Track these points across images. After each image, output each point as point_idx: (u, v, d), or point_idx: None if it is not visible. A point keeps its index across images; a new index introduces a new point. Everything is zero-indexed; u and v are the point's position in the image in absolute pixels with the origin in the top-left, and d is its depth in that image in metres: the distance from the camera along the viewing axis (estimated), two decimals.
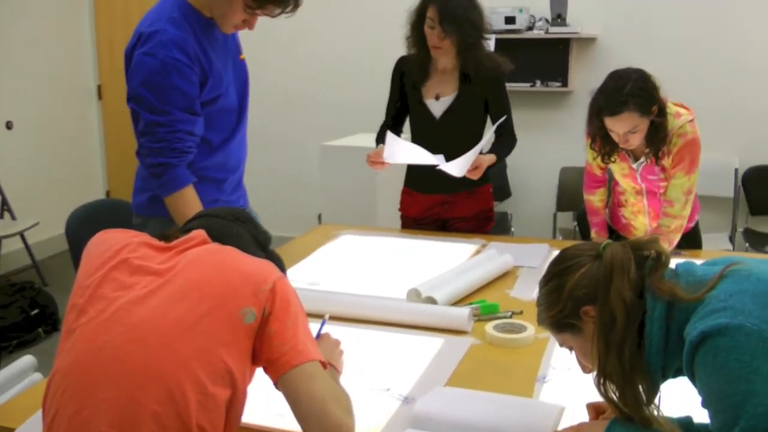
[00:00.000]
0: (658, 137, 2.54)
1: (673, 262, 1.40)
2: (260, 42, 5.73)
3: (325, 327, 1.72)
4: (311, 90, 5.68)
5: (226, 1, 2.21)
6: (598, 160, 2.75)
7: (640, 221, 2.85)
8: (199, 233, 1.48)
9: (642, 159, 2.66)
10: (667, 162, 2.62)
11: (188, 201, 2.26)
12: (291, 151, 5.79)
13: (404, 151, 2.81)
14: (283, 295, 1.39)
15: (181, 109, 2.21)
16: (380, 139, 3.00)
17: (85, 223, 2.93)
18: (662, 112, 2.51)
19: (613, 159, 2.68)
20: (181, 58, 2.18)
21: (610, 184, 2.96)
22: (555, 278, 1.42)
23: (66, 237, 2.93)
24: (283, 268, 1.56)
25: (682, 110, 2.61)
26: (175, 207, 2.27)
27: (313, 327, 1.51)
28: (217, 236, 1.49)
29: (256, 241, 1.56)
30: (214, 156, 2.39)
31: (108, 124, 6.33)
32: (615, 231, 2.97)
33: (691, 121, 2.59)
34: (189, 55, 2.20)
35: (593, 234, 2.92)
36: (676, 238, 2.70)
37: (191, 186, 2.28)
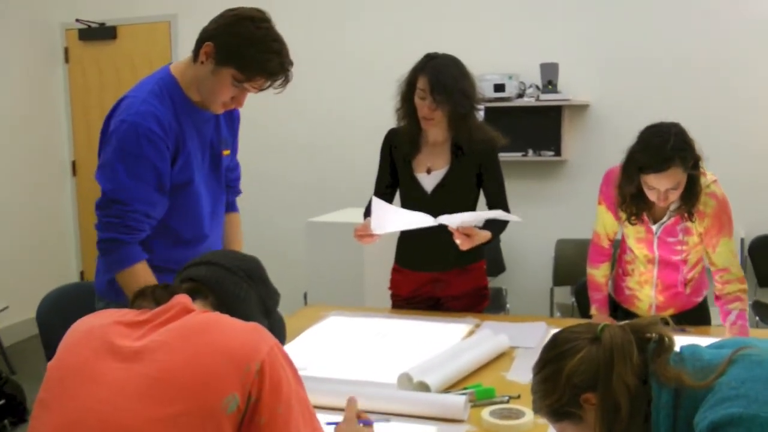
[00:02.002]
0: (693, 192, 2.59)
1: (679, 341, 1.39)
2: (244, 121, 5.84)
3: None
4: (296, 163, 5.74)
5: (214, 76, 2.25)
6: (609, 229, 2.82)
7: (645, 292, 2.86)
8: (180, 301, 1.42)
9: (664, 218, 2.70)
10: (695, 225, 2.67)
11: (140, 278, 2.23)
12: (275, 227, 5.81)
13: (393, 218, 2.80)
14: (274, 375, 1.32)
15: (147, 182, 2.23)
16: (368, 212, 3.02)
17: (56, 308, 2.91)
18: (696, 165, 2.56)
19: (633, 222, 2.72)
20: (155, 129, 2.21)
21: (614, 256, 2.99)
22: (550, 364, 1.41)
23: (37, 322, 2.90)
24: (283, 335, 1.52)
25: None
26: (126, 285, 2.26)
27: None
28: (220, 295, 1.45)
29: (263, 306, 1.52)
30: (182, 250, 2.37)
31: (82, 201, 6.37)
32: (617, 305, 2.98)
33: (715, 181, 2.67)
34: (164, 128, 2.24)
35: (593, 310, 2.93)
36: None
37: (143, 262, 2.27)
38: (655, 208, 2.69)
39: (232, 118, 2.61)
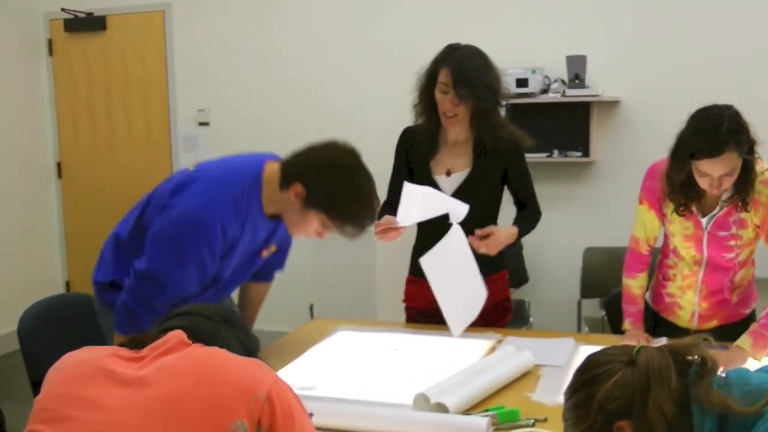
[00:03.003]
0: (748, 178, 2.59)
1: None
2: (252, 118, 5.86)
3: None
4: None
5: (302, 215, 2.40)
6: (649, 231, 2.83)
7: (687, 298, 2.86)
8: (176, 335, 1.49)
9: (715, 210, 2.70)
10: (750, 216, 2.68)
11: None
12: None
13: (424, 203, 2.80)
14: (284, 403, 1.39)
15: (190, 275, 2.39)
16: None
17: (40, 322, 2.92)
18: (752, 150, 2.56)
19: (681, 212, 2.72)
20: (218, 234, 2.36)
21: (653, 265, 2.99)
22: (582, 389, 1.41)
23: (18, 337, 2.91)
24: None
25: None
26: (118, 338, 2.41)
27: None
28: (201, 339, 1.51)
29: (245, 348, 1.57)
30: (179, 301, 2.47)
31: (68, 205, 6.41)
32: (656, 317, 2.97)
33: None
34: (225, 236, 2.38)
35: (626, 325, 2.92)
36: None
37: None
38: (705, 200, 2.70)
39: (288, 237, 2.81)
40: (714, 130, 2.48)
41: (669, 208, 2.77)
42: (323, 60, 5.65)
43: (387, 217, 2.85)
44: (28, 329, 2.91)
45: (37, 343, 2.82)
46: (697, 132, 2.53)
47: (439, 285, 2.88)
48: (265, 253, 2.67)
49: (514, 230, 2.91)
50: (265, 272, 2.90)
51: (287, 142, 5.74)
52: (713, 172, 2.52)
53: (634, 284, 2.93)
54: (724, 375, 1.39)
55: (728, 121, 2.49)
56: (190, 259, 2.36)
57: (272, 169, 2.44)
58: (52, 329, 2.88)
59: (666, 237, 2.89)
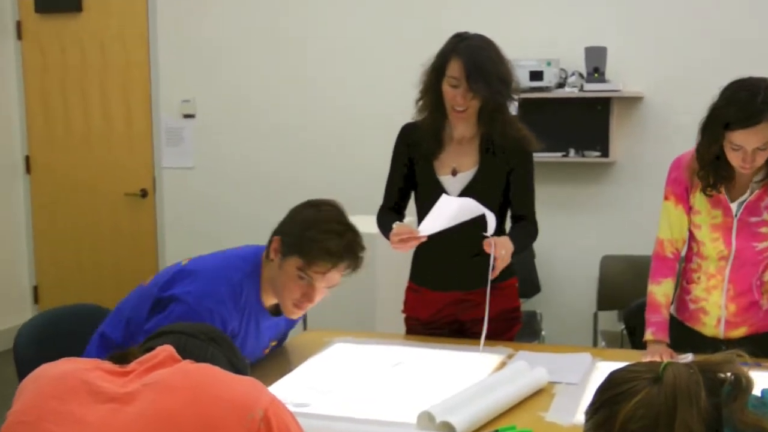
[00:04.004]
0: None
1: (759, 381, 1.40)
2: (241, 114, 5.87)
3: None
4: (297, 163, 5.78)
5: (281, 270, 2.53)
6: (676, 232, 2.88)
7: (713, 300, 2.89)
8: (165, 349, 1.51)
9: (745, 194, 2.76)
10: None
11: None
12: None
13: (455, 213, 2.82)
14: (281, 422, 1.42)
15: None
16: (383, 224, 3.05)
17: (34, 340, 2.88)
18: None
19: (710, 193, 2.78)
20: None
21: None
22: (604, 408, 1.42)
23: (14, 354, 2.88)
24: None
25: None
26: None
27: None
28: (188, 358, 1.52)
29: (233, 368, 1.59)
30: None
31: (38, 203, 6.42)
32: (679, 326, 2.98)
33: None
34: (225, 331, 2.41)
35: (647, 335, 2.92)
36: None
37: None
38: (735, 184, 2.76)
39: (289, 326, 2.92)
40: (750, 99, 2.58)
41: (696, 197, 2.83)
42: (321, 49, 5.66)
43: (404, 226, 2.88)
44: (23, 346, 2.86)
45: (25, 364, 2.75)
46: (731, 102, 2.63)
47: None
48: (267, 351, 2.80)
49: (510, 246, 2.88)
50: None
51: (279, 137, 5.79)
52: (747, 145, 2.60)
53: (658, 290, 2.94)
54: (759, 395, 1.40)
55: (765, 92, 2.59)
56: None
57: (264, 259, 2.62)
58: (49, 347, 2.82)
59: (690, 240, 2.93)
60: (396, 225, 2.90)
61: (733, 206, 2.79)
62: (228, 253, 2.69)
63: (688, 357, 2.70)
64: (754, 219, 2.79)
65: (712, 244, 2.85)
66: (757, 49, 4.85)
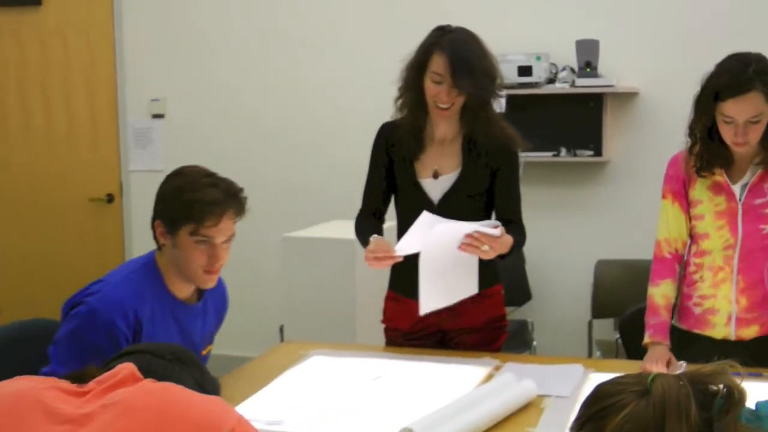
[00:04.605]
0: None
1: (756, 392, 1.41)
2: (206, 108, 5.86)
3: None
4: (270, 164, 5.77)
5: (177, 248, 2.56)
6: (674, 230, 2.92)
7: (723, 294, 2.90)
8: (126, 367, 1.51)
9: (746, 176, 2.82)
10: None
11: None
12: (244, 243, 5.80)
13: (437, 236, 2.80)
14: None
15: None
16: (361, 234, 3.05)
17: None
18: None
19: (703, 174, 2.83)
20: (119, 324, 2.46)
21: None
22: (590, 422, 1.42)
23: None
24: None
25: None
26: None
27: None
28: (151, 378, 1.51)
29: (202, 389, 1.59)
30: None
31: None
32: (681, 337, 2.99)
33: None
34: (128, 322, 2.48)
35: (646, 338, 2.95)
36: None
37: None
38: (735, 167, 2.82)
39: (220, 308, 2.92)
40: (741, 69, 2.69)
41: (696, 189, 2.88)
42: (301, 45, 5.64)
43: (381, 243, 2.86)
44: None
45: None
46: (722, 71, 2.75)
47: (428, 257, 2.85)
48: (204, 352, 2.79)
49: (510, 240, 2.87)
50: None
51: (255, 138, 5.77)
52: (737, 116, 2.68)
53: (657, 292, 2.98)
54: (754, 407, 1.40)
55: (757, 63, 2.70)
56: (90, 357, 2.41)
57: (160, 254, 2.66)
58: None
59: (690, 242, 2.97)
60: (373, 240, 2.88)
61: (735, 189, 2.84)
62: (127, 262, 2.78)
63: (682, 366, 2.72)
64: (758, 201, 2.83)
65: (717, 233, 2.88)
66: (760, 42, 4.87)
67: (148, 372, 1.54)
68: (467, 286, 2.93)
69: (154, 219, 2.61)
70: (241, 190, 2.64)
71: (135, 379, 1.50)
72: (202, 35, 5.85)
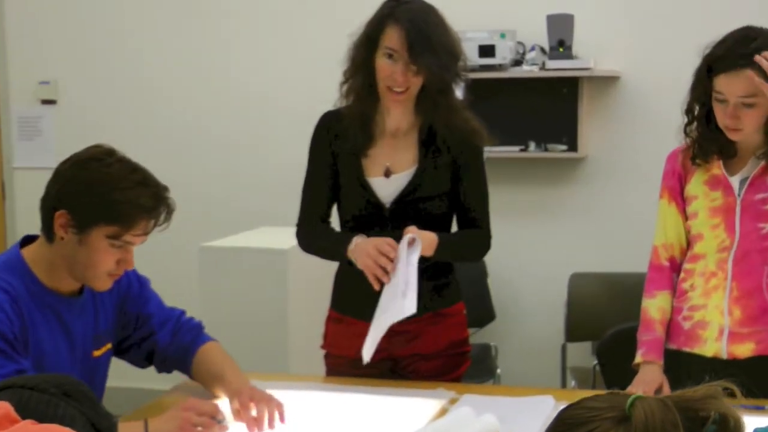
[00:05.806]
0: None
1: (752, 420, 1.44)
2: (114, 92, 5.82)
3: None
4: (185, 163, 5.75)
5: (84, 246, 2.54)
6: (672, 235, 3.00)
7: (714, 304, 2.94)
8: (1, 406, 1.49)
9: (747, 170, 2.90)
10: None
11: None
12: (157, 253, 5.78)
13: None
14: None
15: None
16: (327, 238, 3.08)
17: None
18: None
19: (699, 162, 2.91)
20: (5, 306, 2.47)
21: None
22: None
23: None
24: None
25: None
26: None
27: None
28: (31, 418, 1.51)
29: (95, 429, 1.58)
30: None
31: None
32: (671, 358, 3.02)
33: None
34: (10, 296, 2.50)
35: (638, 357, 2.99)
36: None
37: None
38: (734, 160, 2.91)
39: (123, 293, 2.90)
40: (741, 42, 2.78)
41: (692, 183, 2.95)
42: (221, 17, 5.64)
43: (388, 241, 2.85)
44: None
45: None
46: (722, 42, 2.83)
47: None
48: (97, 353, 2.78)
49: (433, 237, 2.92)
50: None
51: (166, 130, 5.74)
52: (729, 94, 2.76)
53: (652, 305, 3.03)
54: None
55: (762, 40, 2.76)
56: None
57: (29, 248, 2.66)
58: None
59: (689, 218, 3.03)
60: (372, 240, 2.89)
61: (734, 182, 2.91)
62: None
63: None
64: (759, 196, 2.90)
65: (711, 232, 2.95)
66: (761, 16, 4.96)
67: (26, 409, 1.52)
68: (405, 304, 2.85)
69: (54, 206, 2.55)
70: (167, 189, 2.62)
71: (10, 421, 1.45)
72: (102, 6, 5.82)
